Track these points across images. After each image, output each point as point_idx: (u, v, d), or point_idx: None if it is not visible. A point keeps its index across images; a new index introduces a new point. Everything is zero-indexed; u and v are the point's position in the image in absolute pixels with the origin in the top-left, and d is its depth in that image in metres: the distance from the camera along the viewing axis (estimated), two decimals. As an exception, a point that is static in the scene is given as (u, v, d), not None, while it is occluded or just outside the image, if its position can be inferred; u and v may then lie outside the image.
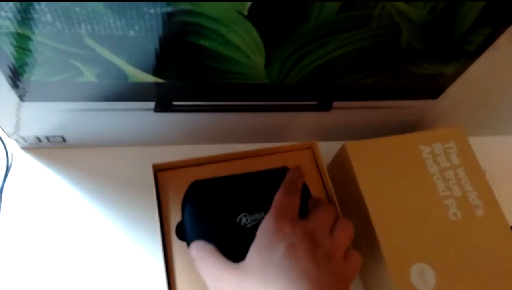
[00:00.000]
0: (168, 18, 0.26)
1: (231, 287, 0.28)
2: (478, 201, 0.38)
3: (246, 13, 0.27)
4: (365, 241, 0.37)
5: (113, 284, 0.38)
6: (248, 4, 0.26)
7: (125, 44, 0.29)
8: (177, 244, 0.33)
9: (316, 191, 0.37)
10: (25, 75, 0.32)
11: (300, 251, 0.28)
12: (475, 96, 0.41)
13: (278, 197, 0.33)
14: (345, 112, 0.40)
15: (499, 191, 0.38)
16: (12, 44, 0.28)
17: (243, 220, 0.34)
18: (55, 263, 0.38)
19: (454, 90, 0.39)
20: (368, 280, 0.39)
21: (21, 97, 0.34)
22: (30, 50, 0.29)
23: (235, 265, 0.30)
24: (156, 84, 0.33)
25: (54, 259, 0.38)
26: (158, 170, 0.36)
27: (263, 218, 0.32)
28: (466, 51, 0.32)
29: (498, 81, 0.40)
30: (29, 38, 0.28)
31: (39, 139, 0.41)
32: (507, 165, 0.48)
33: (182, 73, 0.32)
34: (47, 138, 0.41)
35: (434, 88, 0.38)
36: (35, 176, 0.41)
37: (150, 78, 0.32)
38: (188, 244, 0.33)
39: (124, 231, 0.40)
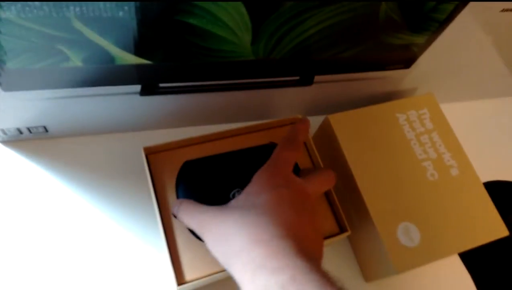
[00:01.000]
0: (159, -3, 0.27)
1: (214, 225, 0.29)
2: (452, 161, 0.41)
3: (235, -10, 0.27)
4: (353, 206, 0.39)
5: (116, 269, 0.38)
6: (237, -20, 0.27)
7: (114, 25, 0.29)
8: (177, 223, 0.34)
9: (303, 163, 0.39)
10: (7, 64, 0.31)
11: (286, 202, 0.28)
12: (443, 65, 0.44)
13: (276, 151, 0.33)
14: (326, 86, 0.42)
15: (470, 151, 0.42)
16: (-6, 31, 0.27)
17: (236, 195, 0.35)
18: (43, 258, 0.37)
19: (425, 60, 0.41)
20: (358, 243, 0.42)
21: (3, 87, 0.33)
22: (13, 36, 0.28)
23: (217, 207, 0.30)
24: (143, 66, 0.33)
25: (44, 255, 0.38)
26: (150, 153, 0.36)
27: None
28: (437, 20, 0.35)
29: (466, 49, 0.42)
30: (12, 23, 0.27)
31: (20, 131, 0.40)
32: (474, 128, 0.52)
33: (170, 53, 0.32)
34: (29, 129, 0.40)
35: (407, 58, 0.40)
36: (17, 171, 0.40)
37: (137, 60, 0.32)
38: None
39: (118, 220, 0.40)
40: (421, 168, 0.40)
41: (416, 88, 0.46)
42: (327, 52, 0.36)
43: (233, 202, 0.30)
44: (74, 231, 0.39)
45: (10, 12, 0.26)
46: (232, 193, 0.35)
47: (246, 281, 0.25)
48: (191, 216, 0.31)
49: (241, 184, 0.35)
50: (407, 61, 0.41)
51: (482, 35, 0.40)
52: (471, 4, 0.34)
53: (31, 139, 0.41)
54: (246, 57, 0.34)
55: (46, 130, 0.41)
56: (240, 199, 0.30)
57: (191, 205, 0.32)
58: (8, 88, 0.34)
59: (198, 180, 0.36)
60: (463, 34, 0.39)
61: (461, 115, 0.48)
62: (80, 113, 0.39)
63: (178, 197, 0.35)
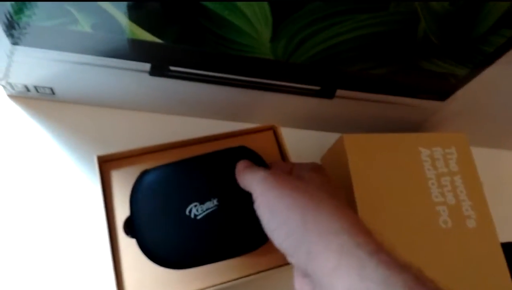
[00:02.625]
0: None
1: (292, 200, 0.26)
2: (471, 211, 0.36)
3: (257, -23, 0.25)
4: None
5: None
6: (261, -33, 0.24)
7: (126, -6, 0.27)
8: (125, 241, 0.32)
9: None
10: (19, 17, 0.30)
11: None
12: (485, 105, 0.40)
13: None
14: (347, 103, 0.38)
15: (495, 206, 0.37)
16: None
17: (194, 211, 0.31)
18: (22, 217, 0.36)
19: (464, 96, 0.37)
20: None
21: (14, 41, 0.33)
22: (23, -12, 0.27)
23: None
24: (155, 44, 0.31)
25: (21, 213, 0.37)
26: (104, 161, 0.34)
27: (217, 206, 0.31)
28: (483, 52, 0.31)
29: (507, 93, 0.38)
30: (23, -26, 0.26)
31: (27, 89, 0.39)
32: (506, 180, 0.47)
33: (182, 35, 0.30)
34: (36, 88, 0.39)
35: (444, 89, 0.36)
36: (18, 126, 0.40)
37: (148, 36, 0.31)
38: (138, 240, 0.31)
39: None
40: (434, 211, 0.36)
41: (449, 124, 0.42)
42: (354, 65, 0.33)
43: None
44: (58, 194, 0.38)
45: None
46: (189, 207, 0.31)
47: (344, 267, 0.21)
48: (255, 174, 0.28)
49: (200, 196, 0.31)
50: (443, 93, 0.37)
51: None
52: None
53: (37, 99, 0.41)
54: (264, 55, 0.32)
55: (53, 93, 0.40)
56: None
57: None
58: (19, 42, 0.33)
59: (154, 192, 0.32)
60: (510, 74, 0.35)
61: (492, 163, 0.43)
62: (87, 82, 0.37)
63: (131, 209, 0.32)
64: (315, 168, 0.29)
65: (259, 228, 0.27)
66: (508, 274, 0.35)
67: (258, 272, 0.33)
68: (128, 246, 0.32)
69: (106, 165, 0.33)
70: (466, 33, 0.29)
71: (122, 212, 0.32)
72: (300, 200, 0.24)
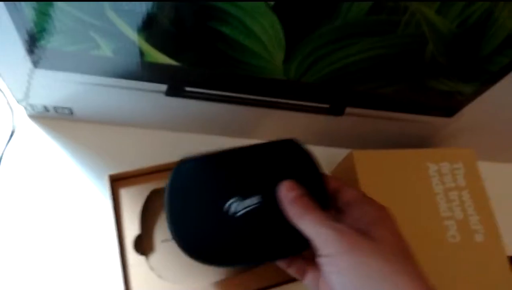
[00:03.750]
0: (195, 0, 0.26)
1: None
2: (479, 225, 0.37)
3: (272, 4, 0.26)
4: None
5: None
6: (276, -5, 0.26)
7: (146, 21, 0.28)
8: (134, 258, 0.33)
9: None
10: (42, 42, 0.31)
11: None
12: (491, 120, 0.41)
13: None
14: (356, 120, 0.39)
15: (502, 220, 0.38)
16: (34, 8, 0.28)
17: (233, 207, 0.29)
18: (36, 231, 0.37)
19: (471, 112, 0.38)
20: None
21: (35, 64, 0.34)
22: (50, 16, 0.28)
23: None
24: (172, 66, 0.33)
25: (36, 227, 0.38)
26: (115, 180, 0.35)
27: (259, 203, 0.28)
28: (488, 71, 0.32)
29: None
30: (51, 4, 0.27)
31: (46, 109, 0.41)
32: (512, 194, 0.48)
33: (199, 58, 0.32)
34: (55, 109, 0.40)
35: (451, 106, 0.37)
36: (38, 145, 0.41)
37: (166, 59, 0.32)
38: (172, 236, 0.29)
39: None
40: (443, 226, 0.36)
41: (456, 140, 0.43)
42: (363, 84, 0.34)
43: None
44: (73, 207, 0.39)
45: (48, -9, 0.26)
46: (229, 203, 0.29)
47: None
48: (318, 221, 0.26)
49: (243, 191, 0.29)
50: (450, 110, 0.38)
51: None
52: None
53: (56, 119, 0.42)
54: (277, 75, 0.33)
55: (71, 113, 0.41)
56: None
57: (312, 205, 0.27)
58: (40, 65, 0.34)
59: (191, 184, 0.29)
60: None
61: (500, 178, 0.44)
62: (105, 102, 0.39)
63: (166, 201, 0.29)
64: (383, 218, 0.28)
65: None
66: (516, 288, 0.35)
67: (266, 287, 0.33)
68: (138, 263, 0.32)
69: (118, 183, 0.34)
70: (472, 54, 0.30)
71: (131, 229, 0.33)
72: (375, 268, 0.24)
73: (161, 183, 0.34)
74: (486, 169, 0.40)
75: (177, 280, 0.34)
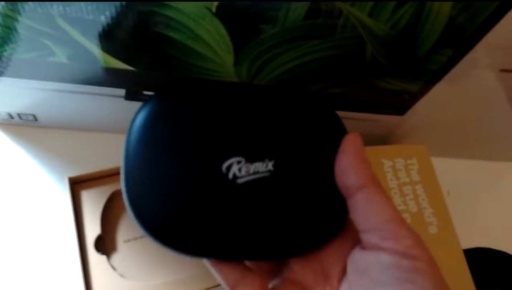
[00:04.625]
0: (137, 6, 0.27)
1: None
2: (433, 217, 0.39)
3: (214, 10, 0.28)
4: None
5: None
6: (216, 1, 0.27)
7: (96, 28, 0.29)
8: (96, 259, 0.34)
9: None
10: (0, 50, 0.32)
11: None
12: (443, 117, 0.43)
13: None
14: (313, 120, 0.41)
15: (459, 214, 0.39)
16: (-14, 17, 0.29)
17: (234, 169, 0.20)
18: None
19: (422, 109, 0.40)
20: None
21: (-5, 72, 0.35)
22: (3, 26, 0.29)
23: None
24: (127, 71, 0.34)
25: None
26: (76, 182, 0.35)
27: (268, 172, 0.20)
28: (429, 70, 0.33)
29: (464, 105, 0.41)
30: (2, 13, 0.28)
31: (11, 116, 0.41)
32: (470, 188, 0.49)
33: (152, 63, 0.33)
34: (19, 115, 0.41)
35: (400, 104, 0.39)
36: (3, 151, 0.42)
37: (120, 64, 0.33)
38: (129, 208, 0.20)
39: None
40: (397, 219, 0.38)
41: (410, 136, 0.45)
42: (312, 86, 0.36)
43: None
44: (33, 214, 0.39)
45: (-1, 1, 0.27)
46: (227, 163, 0.20)
47: None
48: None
49: (249, 150, 0.21)
50: (401, 108, 0.40)
51: (483, 93, 0.38)
52: (468, 59, 0.33)
53: (21, 125, 0.43)
54: (230, 78, 0.34)
55: (36, 119, 0.42)
56: None
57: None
58: (1, 73, 0.35)
59: (171, 129, 0.21)
60: (462, 88, 0.37)
61: (453, 173, 0.46)
62: (68, 108, 0.40)
63: (127, 151, 0.21)
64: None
65: (330, 216, 0.19)
66: (471, 280, 0.37)
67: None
68: (99, 263, 0.33)
69: (78, 186, 0.35)
70: (410, 54, 0.32)
71: (92, 230, 0.34)
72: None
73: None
74: (444, 164, 0.42)
75: (140, 278, 0.35)
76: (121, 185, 0.21)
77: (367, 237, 0.22)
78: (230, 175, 0.20)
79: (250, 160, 0.20)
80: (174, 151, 0.20)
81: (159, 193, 0.20)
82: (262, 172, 0.21)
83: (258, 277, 0.21)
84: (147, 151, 0.21)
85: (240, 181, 0.20)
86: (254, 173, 0.20)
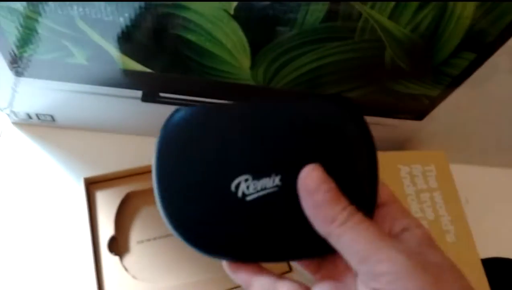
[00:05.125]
0: (156, 8, 0.27)
1: None
2: (450, 226, 0.38)
3: (232, 12, 0.28)
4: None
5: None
6: (235, 3, 0.27)
7: (115, 29, 0.30)
8: (108, 259, 0.34)
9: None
10: (21, 51, 0.33)
11: None
12: (463, 123, 0.42)
13: None
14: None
15: (477, 222, 0.39)
16: (7, 19, 0.29)
17: (243, 187, 0.21)
18: (17, 231, 0.38)
19: (442, 115, 0.39)
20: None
21: (17, 73, 0.35)
22: (25, 27, 0.30)
23: None
24: (145, 73, 0.34)
25: (17, 227, 0.38)
26: (91, 183, 0.36)
27: (275, 187, 0.21)
28: (449, 74, 0.33)
29: (486, 111, 0.40)
30: (24, 15, 0.29)
31: (29, 116, 0.42)
32: (489, 196, 0.48)
33: (169, 65, 0.33)
34: (37, 116, 0.42)
35: (419, 109, 0.38)
36: (21, 151, 0.42)
37: (138, 66, 0.33)
38: (163, 215, 0.22)
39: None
40: (414, 226, 0.37)
41: (428, 143, 0.44)
42: (329, 89, 0.35)
43: None
44: (49, 214, 0.40)
45: (21, 4, 0.28)
46: (236, 181, 0.21)
47: None
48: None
49: (256, 167, 0.21)
50: (419, 113, 0.39)
51: (504, 98, 0.38)
52: (489, 63, 0.32)
53: (39, 125, 0.43)
54: (245, 81, 0.34)
55: (53, 119, 0.42)
56: None
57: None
58: (22, 74, 0.36)
59: (186, 151, 0.22)
60: (482, 93, 0.37)
61: (472, 180, 0.45)
62: (84, 109, 0.40)
63: (157, 162, 0.22)
64: (431, 238, 0.23)
65: None
66: (488, 288, 0.36)
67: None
68: (112, 263, 0.33)
69: (93, 186, 0.35)
70: (430, 58, 0.31)
71: (106, 231, 0.34)
72: None
73: (136, 185, 0.36)
74: (463, 171, 0.41)
75: (152, 280, 0.35)
76: (153, 185, 0.22)
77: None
78: (239, 193, 0.21)
79: (257, 177, 0.21)
80: (191, 171, 0.22)
81: (188, 197, 0.22)
82: (270, 187, 0.21)
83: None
84: (172, 169, 0.22)
85: (249, 198, 0.21)
86: (262, 189, 0.21)
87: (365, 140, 0.23)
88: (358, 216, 0.20)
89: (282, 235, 0.22)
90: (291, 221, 0.21)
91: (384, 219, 0.23)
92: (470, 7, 0.26)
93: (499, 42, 0.29)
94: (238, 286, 0.35)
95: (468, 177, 0.43)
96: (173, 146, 0.22)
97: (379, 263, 0.19)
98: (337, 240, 0.20)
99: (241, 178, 0.21)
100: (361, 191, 0.22)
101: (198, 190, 0.22)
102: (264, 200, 0.21)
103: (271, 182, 0.21)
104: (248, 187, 0.21)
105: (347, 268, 0.22)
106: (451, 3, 0.26)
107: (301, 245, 0.22)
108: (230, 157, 0.21)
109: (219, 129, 0.22)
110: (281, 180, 0.21)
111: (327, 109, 0.22)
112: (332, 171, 0.21)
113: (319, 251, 0.22)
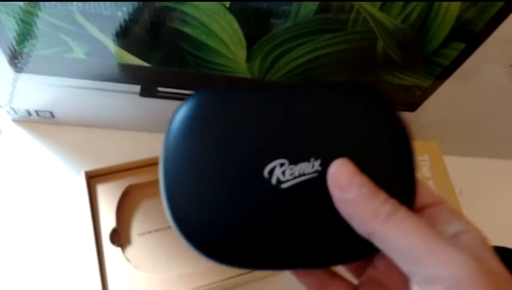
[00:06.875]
0: (154, 2, 0.28)
1: None
2: (444, 214, 0.39)
3: (228, 5, 0.28)
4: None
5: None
6: (230, -4, 0.28)
7: (113, 24, 0.30)
8: (110, 251, 0.34)
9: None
10: (21, 46, 0.33)
11: None
12: (455, 114, 0.42)
13: None
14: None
15: (472, 212, 0.39)
16: (8, 14, 0.30)
17: (277, 172, 0.18)
18: (19, 226, 0.39)
19: (434, 106, 0.40)
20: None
21: (17, 69, 0.36)
22: (24, 22, 0.31)
23: None
24: (142, 67, 0.35)
25: (19, 222, 0.39)
26: (92, 177, 0.36)
27: (315, 173, 0.19)
28: (440, 65, 0.34)
29: (476, 102, 0.41)
30: (24, 10, 0.29)
31: (29, 113, 0.43)
32: (482, 187, 0.49)
33: (166, 59, 0.34)
34: (37, 112, 0.42)
35: (411, 101, 0.39)
36: (22, 147, 0.43)
37: (136, 60, 0.34)
38: (169, 217, 0.19)
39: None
40: (408, 215, 0.38)
41: (421, 134, 0.45)
42: (324, 80, 0.36)
43: None
44: (50, 208, 0.40)
45: (21, -2, 0.28)
46: (270, 166, 0.18)
47: None
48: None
49: (293, 151, 0.19)
50: (412, 104, 0.40)
51: (494, 89, 0.38)
52: (478, 54, 0.33)
53: (38, 122, 0.44)
54: (242, 74, 0.35)
55: (53, 116, 0.43)
56: None
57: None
58: (21, 70, 0.36)
59: (213, 135, 0.19)
60: (473, 84, 0.37)
61: (465, 171, 0.45)
62: (84, 105, 0.41)
63: (164, 155, 0.20)
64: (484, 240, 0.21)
65: None
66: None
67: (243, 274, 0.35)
68: (114, 255, 0.34)
69: (94, 180, 0.36)
70: (421, 48, 0.32)
71: (107, 223, 0.35)
72: None
73: (137, 178, 0.36)
74: (453, 163, 0.42)
75: (153, 270, 0.36)
76: (160, 188, 0.20)
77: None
78: (273, 180, 0.18)
79: (294, 161, 0.18)
80: (214, 155, 0.19)
81: (200, 202, 0.19)
82: (309, 173, 0.19)
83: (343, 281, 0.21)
84: (186, 159, 0.19)
85: (284, 185, 0.18)
86: (300, 175, 0.19)
87: (400, 133, 0.21)
88: (404, 210, 0.18)
89: (323, 232, 0.19)
90: (333, 211, 0.18)
91: (432, 221, 0.20)
92: (456, 4, 0.27)
93: (487, 31, 0.30)
94: (240, 275, 0.36)
95: (461, 167, 0.44)
96: (183, 139, 0.19)
97: (436, 265, 0.17)
98: (382, 238, 0.18)
99: (276, 162, 0.18)
100: (399, 186, 0.20)
101: (218, 185, 0.18)
102: (302, 187, 0.18)
103: (310, 167, 0.19)
104: (284, 172, 0.18)
105: (394, 268, 0.19)
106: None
107: (345, 245, 0.19)
108: (260, 141, 0.18)
109: (242, 114, 0.19)
110: (321, 164, 0.19)
111: (363, 99, 0.20)
112: (367, 164, 0.19)
113: (363, 252, 0.20)
